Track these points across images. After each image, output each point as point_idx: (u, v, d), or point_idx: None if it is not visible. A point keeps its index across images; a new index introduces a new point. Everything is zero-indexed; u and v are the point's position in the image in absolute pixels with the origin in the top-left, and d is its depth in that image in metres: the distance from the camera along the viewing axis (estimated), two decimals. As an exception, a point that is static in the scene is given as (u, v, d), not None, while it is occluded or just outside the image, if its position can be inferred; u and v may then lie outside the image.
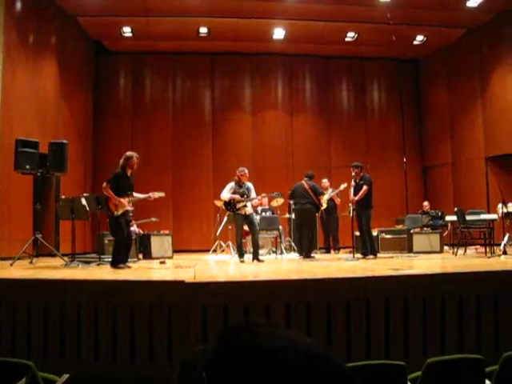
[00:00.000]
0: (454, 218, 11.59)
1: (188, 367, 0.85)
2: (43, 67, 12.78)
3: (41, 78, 12.64)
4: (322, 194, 11.63)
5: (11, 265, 8.76)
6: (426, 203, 14.62)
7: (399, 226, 13.32)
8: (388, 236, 12.45)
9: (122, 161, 8.48)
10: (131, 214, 9.53)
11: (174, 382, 0.87)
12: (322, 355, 0.83)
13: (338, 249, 12.80)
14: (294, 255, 12.57)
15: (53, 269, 8.23)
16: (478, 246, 12.11)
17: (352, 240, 11.01)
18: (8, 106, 11.07)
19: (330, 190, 12.74)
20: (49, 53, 13.04)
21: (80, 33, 14.55)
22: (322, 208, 11.59)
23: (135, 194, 8.61)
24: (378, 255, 10.83)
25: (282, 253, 12.26)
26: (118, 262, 8.10)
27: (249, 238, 11.24)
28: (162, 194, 9.00)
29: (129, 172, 8.47)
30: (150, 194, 8.81)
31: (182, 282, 5.45)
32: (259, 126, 16.75)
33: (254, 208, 11.20)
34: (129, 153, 8.58)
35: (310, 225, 11.38)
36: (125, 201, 8.28)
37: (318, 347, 0.85)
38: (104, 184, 8.38)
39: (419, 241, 12.12)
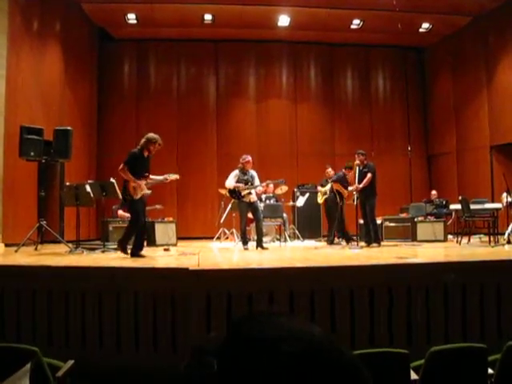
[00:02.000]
0: (459, 206, 11.57)
1: (197, 356, 0.86)
2: (47, 54, 12.75)
3: (45, 65, 12.61)
4: (334, 181, 11.67)
5: (16, 251, 8.81)
6: (433, 192, 14.63)
7: (403, 215, 13.31)
8: (392, 224, 12.45)
9: (142, 141, 8.05)
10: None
11: (182, 368, 0.87)
12: (326, 344, 0.84)
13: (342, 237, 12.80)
14: (298, 243, 12.62)
15: (57, 255, 8.27)
16: (481, 235, 12.10)
17: (356, 228, 11.01)
18: (12, 94, 11.06)
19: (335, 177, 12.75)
20: (53, 39, 12.99)
21: (84, 19, 14.50)
22: (345, 194, 11.50)
23: (152, 176, 8.24)
24: (382, 243, 10.84)
25: (285, 240, 12.28)
26: (126, 247, 8.02)
27: (253, 225, 11.27)
28: (177, 177, 8.69)
29: (145, 154, 8.07)
30: (166, 176, 8.48)
31: (185, 270, 5.47)
32: (263, 113, 16.72)
33: (258, 195, 11.21)
34: (152, 135, 8.09)
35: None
36: (143, 183, 7.94)
37: (323, 336, 0.85)
38: (121, 166, 7.87)
39: (423, 229, 12.12)
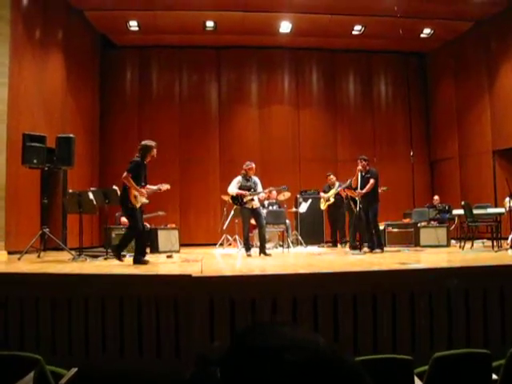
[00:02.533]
0: (461, 211, 11.56)
1: (203, 364, 0.86)
2: (49, 62, 12.78)
3: (47, 73, 12.64)
4: (347, 188, 11.83)
5: (19, 259, 8.80)
6: (436, 197, 14.65)
7: (406, 220, 13.30)
8: (395, 230, 12.42)
9: (142, 150, 8.15)
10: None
11: (188, 376, 0.88)
12: (329, 353, 0.84)
13: (345, 242, 12.80)
14: (301, 249, 12.61)
15: (60, 263, 8.25)
16: (484, 240, 12.08)
17: (359, 234, 11.00)
18: (15, 101, 11.08)
19: (337, 184, 12.81)
20: (55, 47, 13.03)
21: (86, 27, 14.55)
22: (358, 198, 11.47)
23: (147, 186, 8.31)
24: (385, 249, 10.82)
25: (288, 246, 12.26)
26: (121, 255, 8.01)
27: (256, 231, 11.25)
28: (168, 187, 8.79)
29: (147, 161, 8.20)
30: (160, 186, 8.58)
31: (188, 276, 5.46)
32: (266, 119, 16.74)
33: (261, 202, 11.21)
34: (149, 142, 8.23)
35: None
36: (144, 192, 8.04)
37: (326, 345, 0.85)
38: (125, 174, 7.90)
39: (426, 235, 12.10)
